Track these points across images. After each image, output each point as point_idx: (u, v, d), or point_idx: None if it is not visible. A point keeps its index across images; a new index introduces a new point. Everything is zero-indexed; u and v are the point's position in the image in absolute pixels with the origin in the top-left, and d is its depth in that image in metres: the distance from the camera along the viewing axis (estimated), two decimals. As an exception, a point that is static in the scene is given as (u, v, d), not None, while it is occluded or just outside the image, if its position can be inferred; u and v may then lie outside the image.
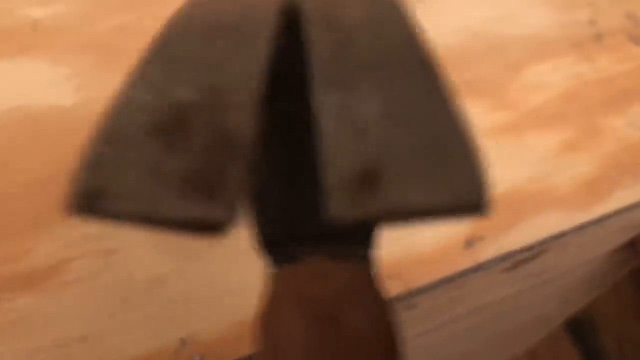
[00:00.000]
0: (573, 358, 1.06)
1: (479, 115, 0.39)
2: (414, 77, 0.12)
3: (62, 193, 0.35)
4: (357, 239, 0.18)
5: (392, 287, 0.34)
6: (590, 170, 0.38)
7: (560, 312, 0.77)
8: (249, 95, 0.11)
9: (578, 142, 0.39)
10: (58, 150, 0.37)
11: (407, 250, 0.35)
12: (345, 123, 0.11)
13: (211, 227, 0.10)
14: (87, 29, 0.41)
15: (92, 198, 0.10)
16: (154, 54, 0.13)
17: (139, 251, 0.34)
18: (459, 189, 0.11)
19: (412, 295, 0.34)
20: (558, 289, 0.59)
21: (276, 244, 0.18)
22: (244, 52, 0.12)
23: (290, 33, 0.13)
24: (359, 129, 0.11)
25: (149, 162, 0.10)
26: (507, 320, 0.62)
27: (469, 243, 0.35)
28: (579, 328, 1.04)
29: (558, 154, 0.38)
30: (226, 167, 0.10)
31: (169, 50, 0.13)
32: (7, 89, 0.39)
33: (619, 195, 0.38)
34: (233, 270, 0.33)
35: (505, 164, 0.37)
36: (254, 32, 0.13)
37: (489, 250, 0.35)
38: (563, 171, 0.38)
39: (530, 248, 0.36)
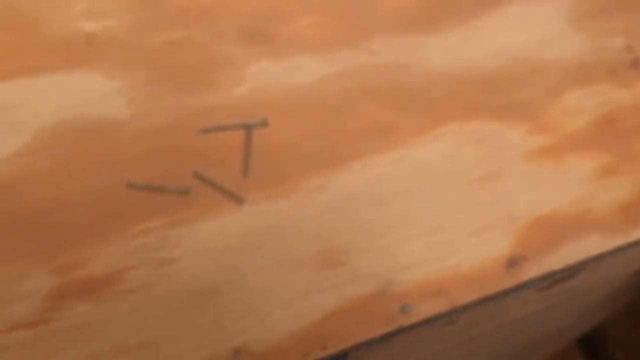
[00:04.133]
0: (582, 372, 1.07)
1: (520, 138, 0.40)
2: None
3: (118, 204, 0.37)
4: None
5: (437, 305, 0.35)
6: (627, 194, 0.39)
7: (575, 328, 0.78)
8: None
9: (615, 166, 0.40)
10: (112, 161, 0.38)
11: (451, 270, 0.36)
12: None
13: None
14: (139, 44, 0.42)
15: None
16: None
17: (194, 262, 0.35)
18: None
19: (455, 312, 0.35)
20: (578, 306, 0.60)
21: None
22: None
23: None
24: None
25: None
26: (528, 334, 0.63)
27: (512, 263, 0.36)
28: (590, 342, 1.05)
29: (596, 177, 0.39)
30: None
31: None
32: (63, 100, 0.40)
33: (653, 218, 0.39)
34: (284, 284, 0.35)
35: (546, 187, 0.39)
36: None
37: (530, 270, 0.36)
38: (601, 195, 0.39)
39: (569, 269, 0.37)
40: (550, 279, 0.38)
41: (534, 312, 0.51)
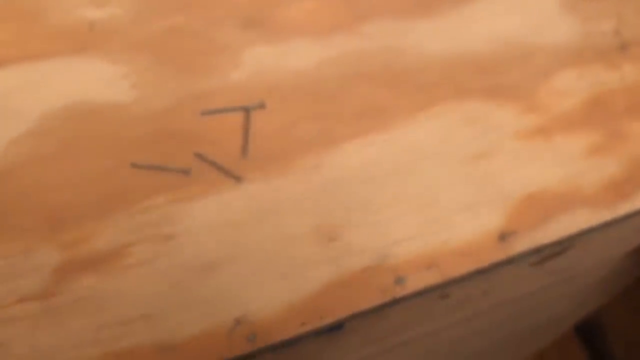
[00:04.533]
0: (581, 362, 1.08)
1: (511, 118, 0.41)
2: None
3: (122, 183, 0.38)
4: None
5: (430, 277, 0.36)
6: (615, 171, 0.40)
7: (572, 314, 0.79)
8: None
9: (604, 144, 0.41)
10: (116, 142, 0.39)
11: (444, 244, 0.37)
12: None
13: None
14: (140, 30, 0.44)
15: None
16: None
17: (195, 238, 0.36)
18: None
19: (448, 284, 0.37)
20: (575, 288, 0.62)
21: None
22: None
23: None
24: None
25: None
26: (525, 319, 0.64)
27: (503, 237, 0.37)
28: (588, 332, 1.06)
29: (585, 155, 0.40)
30: None
31: None
32: (68, 85, 0.41)
33: (642, 195, 0.41)
34: (281, 258, 0.36)
35: (537, 165, 0.40)
36: None
37: (521, 244, 0.37)
38: (590, 172, 0.40)
39: (559, 243, 0.38)
40: (541, 254, 0.39)
41: (529, 293, 0.52)
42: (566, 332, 1.02)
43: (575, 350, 1.05)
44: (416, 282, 0.35)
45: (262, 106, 0.41)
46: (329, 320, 0.34)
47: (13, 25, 0.42)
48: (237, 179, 0.38)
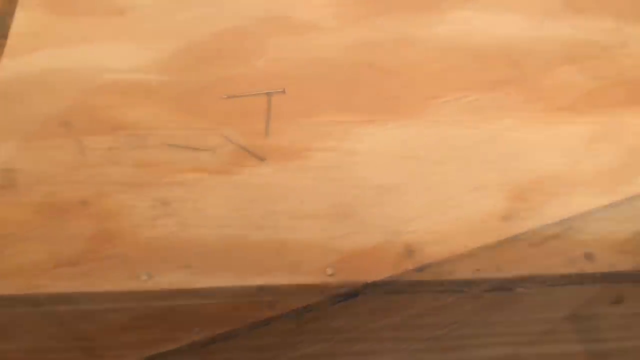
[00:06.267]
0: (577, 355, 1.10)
1: (515, 108, 0.44)
2: None
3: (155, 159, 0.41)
4: None
5: (438, 253, 0.39)
6: (614, 159, 0.43)
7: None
8: None
9: (604, 134, 0.44)
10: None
11: (452, 223, 0.40)
12: None
13: None
14: (169, 19, 0.46)
15: None
16: None
17: (220, 212, 0.39)
18: None
19: (455, 260, 0.39)
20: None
21: None
22: None
23: None
24: None
25: None
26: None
27: (507, 218, 0.40)
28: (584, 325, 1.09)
29: (586, 144, 0.43)
30: None
31: None
32: (101, 68, 0.44)
33: None
34: (299, 233, 0.39)
35: (539, 151, 0.42)
36: None
37: (524, 224, 0.40)
38: (590, 159, 0.43)
39: (559, 225, 0.41)
40: (542, 234, 0.42)
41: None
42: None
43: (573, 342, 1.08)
44: (426, 256, 0.38)
45: (282, 92, 0.44)
46: (345, 289, 0.37)
47: (51, 14, 0.45)
48: (261, 159, 0.41)
